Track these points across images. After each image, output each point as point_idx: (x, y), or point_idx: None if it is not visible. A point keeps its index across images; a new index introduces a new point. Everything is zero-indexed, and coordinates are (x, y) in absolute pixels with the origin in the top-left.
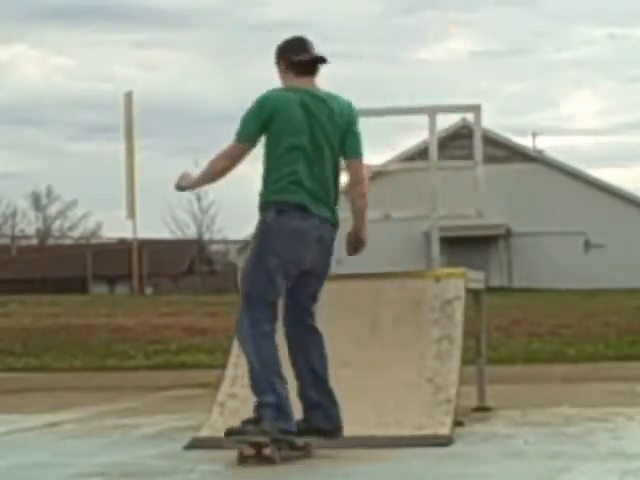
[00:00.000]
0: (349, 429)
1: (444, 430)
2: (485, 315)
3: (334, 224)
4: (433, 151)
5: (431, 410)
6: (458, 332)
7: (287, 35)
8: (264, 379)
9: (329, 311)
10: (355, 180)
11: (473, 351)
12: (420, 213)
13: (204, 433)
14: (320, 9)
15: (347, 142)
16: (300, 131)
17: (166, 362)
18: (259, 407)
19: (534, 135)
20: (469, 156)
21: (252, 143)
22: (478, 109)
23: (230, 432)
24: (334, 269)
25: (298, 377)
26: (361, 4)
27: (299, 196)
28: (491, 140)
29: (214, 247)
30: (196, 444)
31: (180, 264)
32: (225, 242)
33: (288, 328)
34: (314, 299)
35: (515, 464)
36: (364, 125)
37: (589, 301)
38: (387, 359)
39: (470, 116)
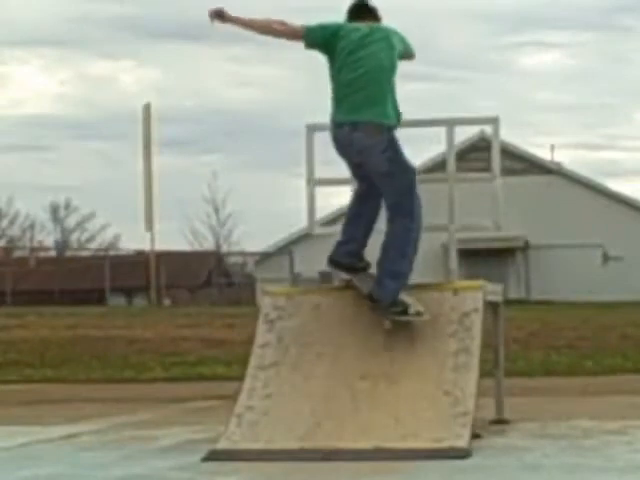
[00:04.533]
0: (366, 441)
1: (462, 443)
2: (503, 327)
3: (366, 123)
4: (451, 163)
5: (449, 422)
6: (476, 344)
7: None
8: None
9: (346, 323)
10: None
11: (491, 363)
12: (438, 225)
13: (221, 445)
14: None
15: None
16: None
17: (184, 374)
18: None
19: (552, 148)
20: (487, 168)
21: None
22: (496, 121)
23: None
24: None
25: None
26: None
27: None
28: (509, 152)
29: (232, 259)
30: (213, 456)
31: (198, 276)
32: (243, 254)
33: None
34: (392, 197)
35: (533, 477)
36: None
37: (607, 313)
38: (404, 372)
39: (488, 128)
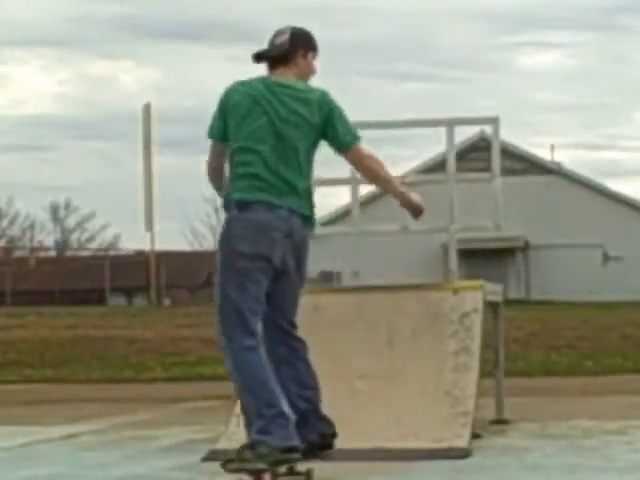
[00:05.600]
0: (366, 441)
1: (462, 443)
2: (503, 327)
3: (306, 218)
4: (451, 163)
5: (449, 423)
6: (476, 345)
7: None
8: (252, 397)
9: (346, 323)
10: (361, 160)
11: (491, 364)
12: (438, 225)
13: (221, 445)
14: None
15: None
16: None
17: (184, 374)
18: (252, 428)
19: (552, 148)
20: (487, 168)
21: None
22: (496, 121)
23: (228, 461)
24: (351, 281)
25: (283, 390)
26: None
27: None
28: (509, 152)
29: None
30: (213, 456)
31: (198, 276)
32: None
33: (267, 339)
34: (292, 306)
35: (533, 477)
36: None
37: (607, 313)
38: (405, 372)
39: (488, 128)
